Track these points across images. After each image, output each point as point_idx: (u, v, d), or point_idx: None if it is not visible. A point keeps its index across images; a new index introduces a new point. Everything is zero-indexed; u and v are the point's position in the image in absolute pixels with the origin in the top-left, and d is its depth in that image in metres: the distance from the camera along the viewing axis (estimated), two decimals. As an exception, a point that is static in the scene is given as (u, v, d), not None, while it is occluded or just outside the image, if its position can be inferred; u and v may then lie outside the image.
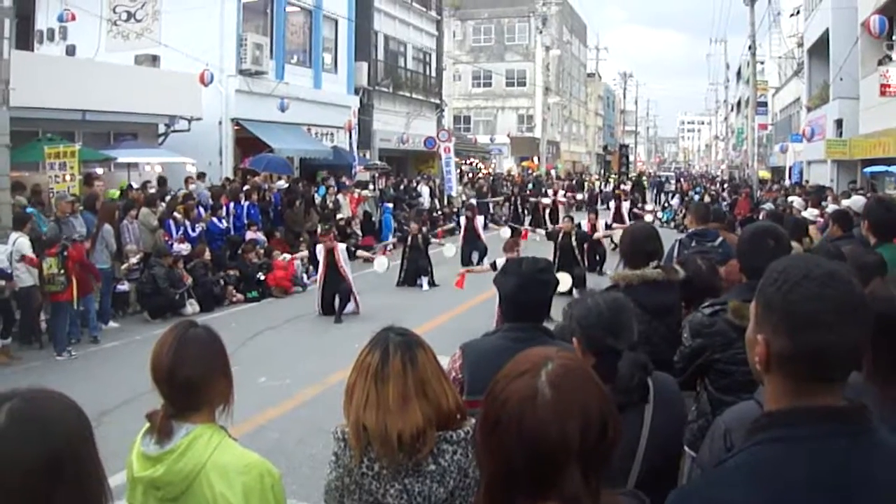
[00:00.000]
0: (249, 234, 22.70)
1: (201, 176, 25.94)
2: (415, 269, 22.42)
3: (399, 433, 3.15)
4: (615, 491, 2.15)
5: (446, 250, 23.95)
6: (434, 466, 3.21)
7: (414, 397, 3.22)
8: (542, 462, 1.95)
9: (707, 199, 37.72)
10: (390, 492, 3.21)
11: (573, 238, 21.08)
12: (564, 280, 16.34)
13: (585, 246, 22.23)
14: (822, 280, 2.11)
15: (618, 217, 29.74)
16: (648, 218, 35.89)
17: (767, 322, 2.17)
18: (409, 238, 22.90)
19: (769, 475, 2.04)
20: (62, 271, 14.56)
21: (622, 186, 47.79)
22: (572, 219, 23.24)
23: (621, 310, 3.91)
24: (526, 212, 39.55)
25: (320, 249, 18.50)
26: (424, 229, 24.29)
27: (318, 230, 19.38)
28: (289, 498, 7.94)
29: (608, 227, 24.36)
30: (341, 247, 18.70)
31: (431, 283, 22.25)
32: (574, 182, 59.39)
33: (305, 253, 21.25)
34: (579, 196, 52.43)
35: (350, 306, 18.10)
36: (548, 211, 38.34)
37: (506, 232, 28.32)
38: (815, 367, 2.11)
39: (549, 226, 32.09)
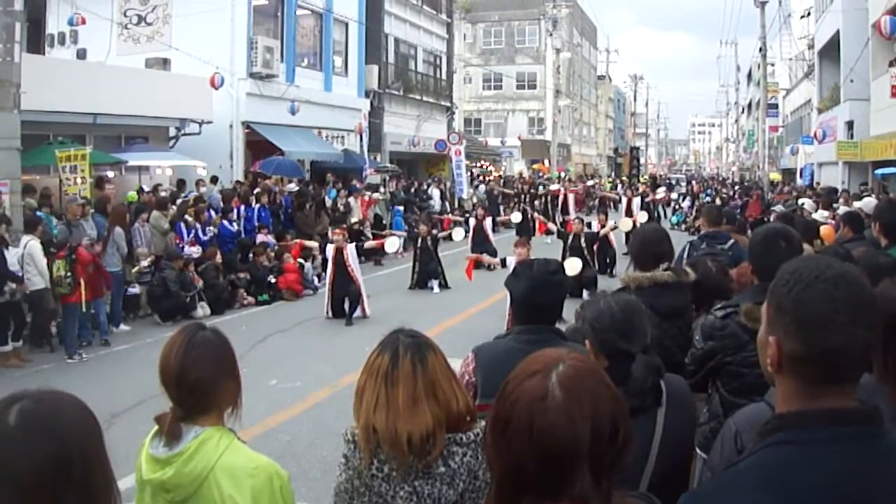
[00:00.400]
0: (261, 237, 22.71)
1: (214, 180, 25.99)
2: (426, 272, 22.40)
3: (409, 435, 3.15)
4: (627, 493, 2.15)
5: (455, 234, 23.99)
6: (444, 468, 3.20)
7: (424, 399, 3.21)
8: (552, 463, 1.95)
9: (718, 201, 37.60)
10: (400, 494, 3.21)
11: (582, 240, 21.10)
12: (574, 265, 16.42)
13: (595, 247, 22.27)
14: (833, 281, 2.10)
15: (627, 214, 29.73)
16: (660, 194, 36.03)
17: (779, 323, 2.15)
18: (419, 240, 22.86)
19: (780, 479, 2.02)
20: (69, 274, 14.61)
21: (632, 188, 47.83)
22: (582, 220, 23.31)
23: (634, 312, 3.89)
24: (536, 213, 39.52)
25: (330, 248, 18.47)
26: (434, 231, 24.27)
27: (329, 232, 19.34)
28: (299, 501, 7.92)
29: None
30: (350, 247, 18.65)
31: (443, 286, 22.23)
32: (586, 183, 59.44)
33: (316, 244, 21.08)
34: (590, 182, 52.73)
35: (357, 311, 18.08)
36: (559, 203, 38.22)
37: (516, 216, 28.54)
38: (826, 368, 2.09)
39: (557, 219, 32.35)
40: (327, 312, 18.29)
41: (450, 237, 24.10)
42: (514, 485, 2.01)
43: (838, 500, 1.98)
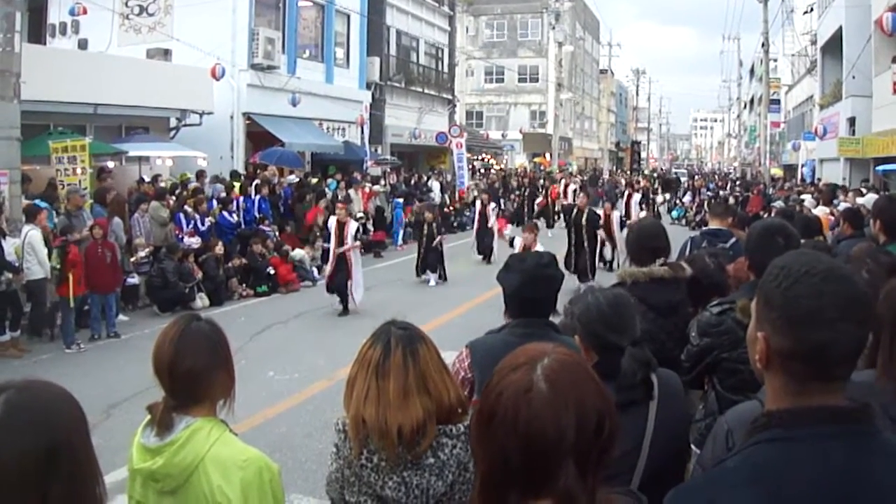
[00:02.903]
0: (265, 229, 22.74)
1: (220, 179, 25.89)
2: (427, 261, 22.35)
3: (399, 427, 3.15)
4: (612, 490, 2.14)
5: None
6: (433, 460, 3.20)
7: (415, 392, 3.20)
8: (536, 456, 1.94)
9: (732, 200, 37.15)
10: (389, 484, 3.21)
11: (584, 217, 20.95)
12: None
13: (599, 235, 21.86)
14: (822, 276, 2.08)
15: (627, 209, 29.24)
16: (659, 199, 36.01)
17: (767, 319, 2.14)
18: (425, 227, 22.68)
19: (768, 475, 2.01)
20: (57, 267, 14.66)
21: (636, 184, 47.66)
22: (588, 195, 23.00)
23: (622, 306, 3.87)
24: (535, 208, 39.37)
25: (332, 222, 18.29)
26: (439, 220, 24.03)
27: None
28: (294, 492, 7.99)
29: (622, 223, 24.36)
30: (353, 224, 18.45)
31: (442, 277, 22.19)
32: (589, 177, 59.32)
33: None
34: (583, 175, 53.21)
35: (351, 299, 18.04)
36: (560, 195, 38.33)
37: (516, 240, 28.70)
38: (815, 364, 2.07)
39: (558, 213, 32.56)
40: (329, 288, 18.31)
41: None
42: (498, 478, 2.00)
43: (826, 497, 1.97)
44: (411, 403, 3.18)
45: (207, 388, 3.25)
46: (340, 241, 17.95)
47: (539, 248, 16.16)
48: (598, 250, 21.98)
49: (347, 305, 17.92)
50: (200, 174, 24.58)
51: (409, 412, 3.16)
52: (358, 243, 18.37)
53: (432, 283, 22.09)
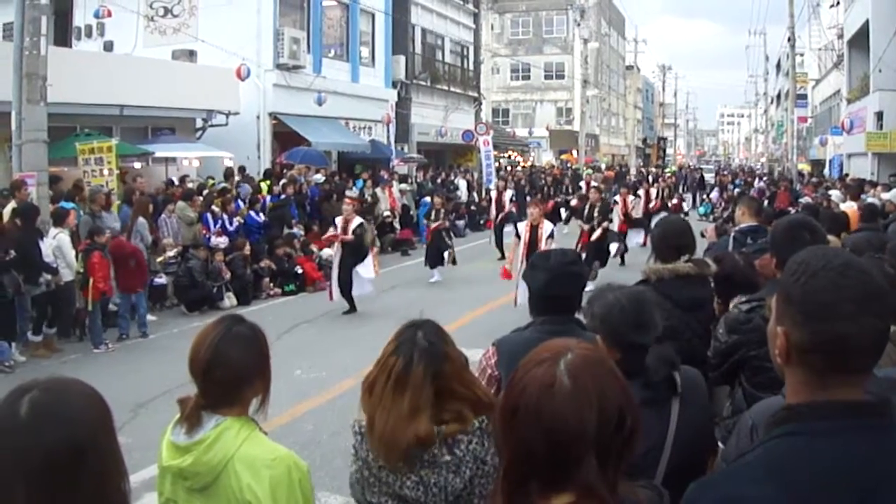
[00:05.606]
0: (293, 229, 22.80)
1: (241, 170, 26.01)
2: (431, 255, 21.89)
3: (406, 442, 3.16)
4: (635, 483, 2.16)
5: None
6: (449, 457, 3.22)
7: (425, 409, 3.21)
8: (559, 450, 1.98)
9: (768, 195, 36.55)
10: (407, 484, 3.23)
11: (597, 210, 20.41)
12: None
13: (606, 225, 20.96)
14: (839, 270, 2.09)
15: (647, 201, 28.82)
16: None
17: (787, 314, 2.15)
18: (433, 214, 22.35)
19: (787, 470, 2.02)
20: (80, 272, 14.74)
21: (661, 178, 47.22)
22: (599, 189, 22.64)
23: (643, 303, 3.86)
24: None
25: (339, 221, 18.07)
26: (449, 206, 23.68)
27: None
28: (321, 490, 8.00)
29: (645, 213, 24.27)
30: (357, 220, 18.06)
31: (451, 262, 21.98)
32: (615, 174, 58.97)
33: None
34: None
35: (367, 287, 17.97)
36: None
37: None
38: (834, 358, 2.08)
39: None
40: (331, 296, 17.91)
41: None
42: (521, 471, 2.05)
43: (845, 491, 1.97)
44: (419, 420, 3.19)
45: (241, 394, 3.27)
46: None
47: (546, 225, 16.18)
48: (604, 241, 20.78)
49: (353, 304, 17.79)
50: (230, 173, 24.67)
51: (414, 428, 3.17)
52: (351, 237, 17.75)
53: (436, 277, 21.75)
